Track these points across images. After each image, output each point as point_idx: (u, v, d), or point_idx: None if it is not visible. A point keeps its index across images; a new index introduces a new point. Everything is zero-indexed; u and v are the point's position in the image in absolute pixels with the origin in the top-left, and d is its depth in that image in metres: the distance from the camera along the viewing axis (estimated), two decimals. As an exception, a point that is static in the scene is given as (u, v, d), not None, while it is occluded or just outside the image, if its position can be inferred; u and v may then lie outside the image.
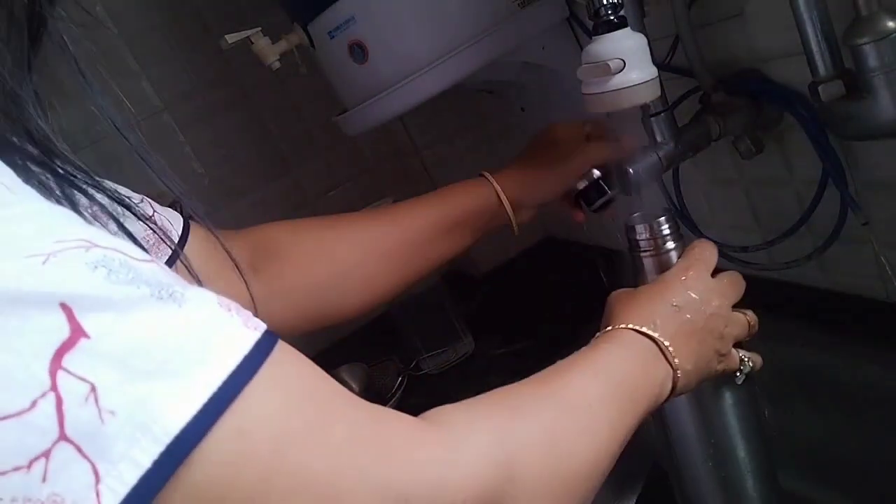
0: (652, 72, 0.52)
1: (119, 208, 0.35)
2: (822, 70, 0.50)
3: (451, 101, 1.04)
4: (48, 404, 0.21)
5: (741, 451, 0.56)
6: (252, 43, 0.72)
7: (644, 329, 0.46)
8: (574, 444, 0.38)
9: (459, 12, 0.70)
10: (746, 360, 0.52)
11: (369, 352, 1.04)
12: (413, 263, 0.63)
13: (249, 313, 0.27)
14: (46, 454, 0.21)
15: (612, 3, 0.50)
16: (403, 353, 1.00)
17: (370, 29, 0.70)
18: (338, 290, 0.60)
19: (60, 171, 0.30)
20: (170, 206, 0.53)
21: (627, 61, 0.50)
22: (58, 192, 0.29)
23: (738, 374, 0.51)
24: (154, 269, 0.25)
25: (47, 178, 0.29)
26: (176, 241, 0.49)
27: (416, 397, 0.94)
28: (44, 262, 0.22)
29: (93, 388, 0.22)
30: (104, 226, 0.32)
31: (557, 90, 0.87)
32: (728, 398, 0.54)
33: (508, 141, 1.08)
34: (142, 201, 0.47)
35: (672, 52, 0.66)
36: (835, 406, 0.65)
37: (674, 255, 0.53)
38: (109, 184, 0.35)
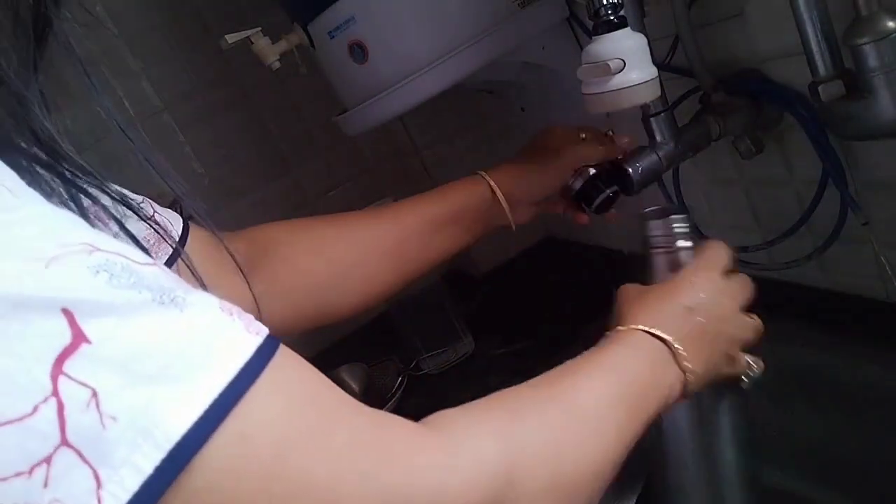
0: (652, 72, 0.52)
1: (122, 209, 0.35)
2: (822, 70, 0.50)
3: (451, 101, 1.04)
4: (49, 409, 0.21)
5: (732, 455, 0.55)
6: (252, 43, 0.72)
7: (655, 331, 0.45)
8: (579, 448, 0.37)
9: (459, 12, 0.70)
10: (753, 363, 0.51)
11: (369, 352, 1.04)
12: (410, 261, 0.63)
13: (251, 317, 0.27)
14: (48, 460, 0.21)
15: (612, 3, 0.50)
16: (403, 353, 1.00)
17: (370, 29, 0.70)
18: (335, 288, 0.60)
19: (65, 173, 0.30)
20: (169, 207, 0.53)
21: (627, 61, 0.50)
22: (63, 195, 0.29)
23: (744, 378, 0.51)
24: (156, 272, 0.25)
25: (52, 180, 0.29)
26: (176, 241, 0.49)
27: (416, 397, 0.93)
28: (46, 266, 0.22)
29: (94, 394, 0.22)
30: (105, 226, 0.32)
31: (557, 90, 0.87)
32: (726, 402, 0.54)
33: (508, 141, 1.08)
34: (142, 202, 0.47)
35: (672, 52, 0.66)
36: (835, 406, 0.65)
37: (687, 254, 0.53)
38: (114, 186, 0.35)
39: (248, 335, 0.26)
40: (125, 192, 0.41)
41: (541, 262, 1.15)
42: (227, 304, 0.27)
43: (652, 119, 0.61)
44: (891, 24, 0.45)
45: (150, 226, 0.40)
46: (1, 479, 0.20)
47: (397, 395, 0.91)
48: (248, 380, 0.25)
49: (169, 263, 0.46)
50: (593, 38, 0.52)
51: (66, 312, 0.22)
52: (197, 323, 0.25)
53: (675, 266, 0.52)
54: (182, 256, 0.45)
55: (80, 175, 0.31)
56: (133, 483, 0.22)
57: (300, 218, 0.63)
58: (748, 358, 0.51)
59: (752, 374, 0.51)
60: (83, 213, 0.30)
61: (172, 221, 0.51)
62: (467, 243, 0.66)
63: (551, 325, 0.93)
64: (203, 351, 0.24)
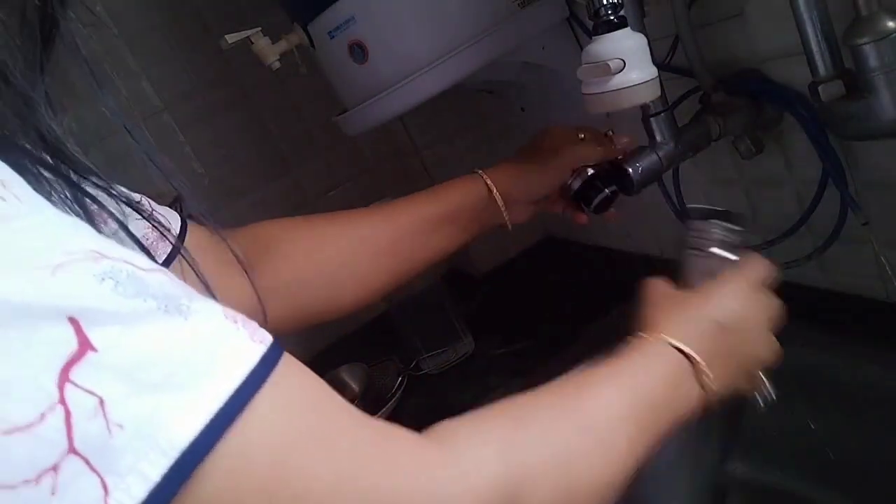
0: (652, 72, 0.52)
1: (125, 208, 0.35)
2: (822, 70, 0.50)
3: (451, 101, 1.04)
4: (56, 417, 0.21)
5: (713, 462, 0.54)
6: (252, 43, 0.72)
7: (681, 345, 0.44)
8: (588, 461, 0.37)
9: (459, 12, 0.70)
10: (768, 385, 0.50)
11: (369, 352, 1.04)
12: (406, 259, 0.63)
13: (255, 324, 0.27)
14: (55, 467, 0.21)
15: (612, 3, 0.50)
16: (403, 353, 1.00)
17: (370, 29, 0.70)
18: (331, 286, 0.60)
19: (69, 175, 0.30)
20: (168, 206, 0.53)
21: (627, 61, 0.50)
22: (67, 197, 0.29)
23: (759, 398, 0.50)
24: (161, 279, 0.25)
25: (57, 182, 0.29)
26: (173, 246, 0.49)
27: (416, 397, 0.93)
28: (52, 274, 0.22)
29: (101, 402, 0.22)
30: (105, 224, 0.32)
31: (557, 90, 0.87)
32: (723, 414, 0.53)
33: (508, 141, 1.08)
34: (140, 200, 0.47)
35: (672, 52, 0.66)
36: (835, 406, 0.65)
37: (724, 262, 0.50)
38: (120, 188, 0.35)
39: (252, 344, 0.26)
40: (123, 190, 0.41)
41: (540, 261, 1.15)
42: (232, 312, 0.27)
43: (652, 119, 0.61)
44: (891, 24, 0.45)
45: (152, 224, 0.40)
46: (8, 487, 0.20)
47: (397, 395, 0.91)
48: (252, 388, 0.25)
49: (168, 261, 0.46)
50: (593, 38, 0.52)
51: (73, 320, 0.22)
52: (201, 331, 0.25)
53: (710, 272, 0.50)
54: (182, 253, 0.45)
55: (86, 176, 0.31)
56: (140, 491, 0.22)
57: (296, 216, 0.63)
58: (765, 379, 0.50)
59: (766, 395, 0.50)
60: (87, 215, 0.30)
61: (171, 220, 0.51)
62: (464, 242, 0.66)
63: (551, 325, 0.93)
64: (207, 359, 0.24)
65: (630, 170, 0.61)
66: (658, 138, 0.62)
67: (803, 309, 0.69)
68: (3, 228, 0.22)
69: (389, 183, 1.18)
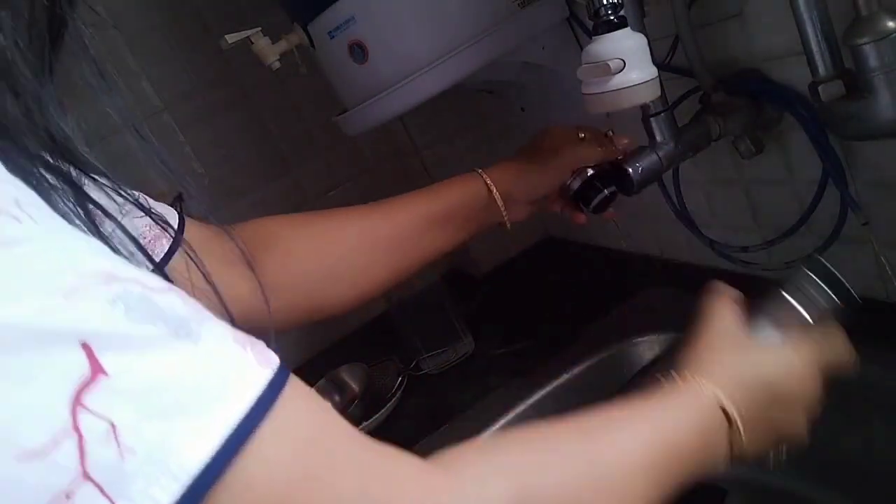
0: (652, 72, 0.52)
1: (128, 207, 0.35)
2: (822, 70, 0.50)
3: (451, 101, 1.04)
4: (70, 443, 0.21)
5: None
6: (252, 43, 0.72)
7: (726, 404, 0.41)
8: None
9: (459, 12, 0.70)
10: (784, 450, 0.48)
11: (369, 352, 1.04)
12: (404, 257, 0.63)
13: (262, 346, 0.27)
14: (68, 493, 0.21)
15: (612, 3, 0.50)
16: (403, 353, 1.00)
17: (370, 29, 0.70)
18: (329, 283, 0.60)
19: (74, 178, 0.30)
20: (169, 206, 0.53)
21: (627, 61, 0.50)
22: (72, 204, 0.29)
23: (772, 459, 0.48)
24: (172, 301, 0.25)
25: (62, 188, 0.29)
26: (173, 239, 0.49)
27: (416, 397, 0.93)
28: (65, 298, 0.22)
29: (113, 427, 0.22)
30: (101, 224, 0.32)
31: (557, 90, 0.87)
32: None
33: (508, 141, 1.08)
34: (139, 198, 0.47)
35: (672, 52, 0.66)
36: (835, 406, 0.65)
37: (800, 321, 0.48)
38: (128, 191, 0.35)
39: (259, 369, 0.26)
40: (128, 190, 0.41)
41: (540, 261, 1.15)
42: (241, 336, 0.27)
43: (652, 119, 0.61)
44: (891, 24, 0.45)
45: (154, 220, 0.40)
46: None
47: (397, 395, 0.91)
48: (260, 413, 0.25)
49: (168, 257, 0.46)
50: (593, 38, 0.52)
51: (85, 345, 0.22)
52: (211, 356, 0.25)
53: (780, 320, 0.48)
54: (183, 247, 0.45)
55: (94, 175, 0.31)
56: None
57: (294, 213, 0.63)
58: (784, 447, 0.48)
59: (779, 458, 0.48)
60: (87, 215, 0.30)
61: (169, 218, 0.51)
62: (462, 240, 0.66)
63: (551, 325, 0.93)
64: (218, 384, 0.24)
65: (630, 170, 0.61)
66: (658, 138, 0.62)
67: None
68: (18, 251, 0.22)
69: (389, 183, 1.18)
